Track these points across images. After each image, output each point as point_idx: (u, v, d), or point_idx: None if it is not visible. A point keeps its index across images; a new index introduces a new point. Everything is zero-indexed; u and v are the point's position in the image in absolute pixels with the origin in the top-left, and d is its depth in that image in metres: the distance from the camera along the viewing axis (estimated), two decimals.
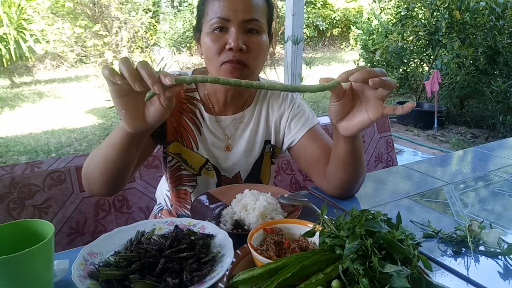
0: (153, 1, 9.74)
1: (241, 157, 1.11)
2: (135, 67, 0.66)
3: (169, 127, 1.06)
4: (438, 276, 0.73)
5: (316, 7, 12.42)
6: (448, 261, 0.77)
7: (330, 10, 12.63)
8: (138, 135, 0.77)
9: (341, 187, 1.00)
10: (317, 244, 0.67)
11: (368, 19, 8.70)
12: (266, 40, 0.99)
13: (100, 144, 0.87)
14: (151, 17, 9.29)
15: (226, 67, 0.93)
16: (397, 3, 7.01)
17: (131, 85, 0.66)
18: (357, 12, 12.16)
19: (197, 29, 1.01)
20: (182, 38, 9.97)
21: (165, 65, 5.40)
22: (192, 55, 10.03)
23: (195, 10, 1.05)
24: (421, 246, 0.64)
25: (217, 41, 0.93)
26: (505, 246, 0.80)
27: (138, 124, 0.73)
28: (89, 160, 0.88)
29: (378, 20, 7.96)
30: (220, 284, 0.63)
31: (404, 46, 5.98)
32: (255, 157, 1.13)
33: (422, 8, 5.79)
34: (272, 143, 1.13)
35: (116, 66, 0.72)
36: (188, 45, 10.04)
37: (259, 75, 1.18)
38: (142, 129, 0.74)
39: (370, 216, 0.61)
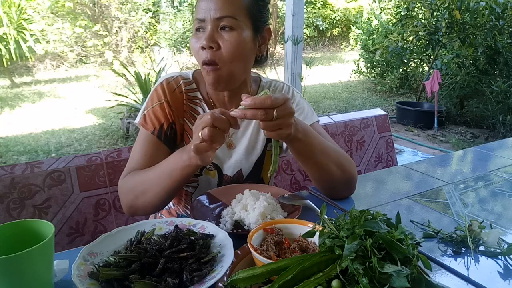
0: (153, 1, 9.74)
1: (243, 155, 1.10)
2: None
3: (179, 131, 1.06)
4: (438, 276, 0.73)
5: (316, 7, 12.40)
6: (448, 261, 0.77)
7: (330, 10, 12.62)
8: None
9: (321, 187, 1.05)
10: (317, 244, 0.67)
11: (368, 19, 8.69)
12: (245, 36, 0.95)
13: (143, 177, 0.95)
14: (151, 17, 9.29)
15: (204, 68, 0.96)
16: (397, 3, 7.00)
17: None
18: (357, 12, 12.15)
19: None
20: (182, 38, 9.97)
21: (165, 65, 5.39)
22: (192, 55, 10.01)
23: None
24: (420, 246, 0.64)
25: (196, 42, 0.96)
26: (505, 246, 0.80)
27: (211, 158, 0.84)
28: (137, 193, 0.94)
29: (378, 20, 7.96)
30: (220, 284, 0.63)
31: (404, 46, 5.98)
32: (257, 155, 1.13)
33: (422, 8, 5.79)
34: None
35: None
36: (188, 45, 10.04)
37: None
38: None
39: (369, 216, 0.61)
